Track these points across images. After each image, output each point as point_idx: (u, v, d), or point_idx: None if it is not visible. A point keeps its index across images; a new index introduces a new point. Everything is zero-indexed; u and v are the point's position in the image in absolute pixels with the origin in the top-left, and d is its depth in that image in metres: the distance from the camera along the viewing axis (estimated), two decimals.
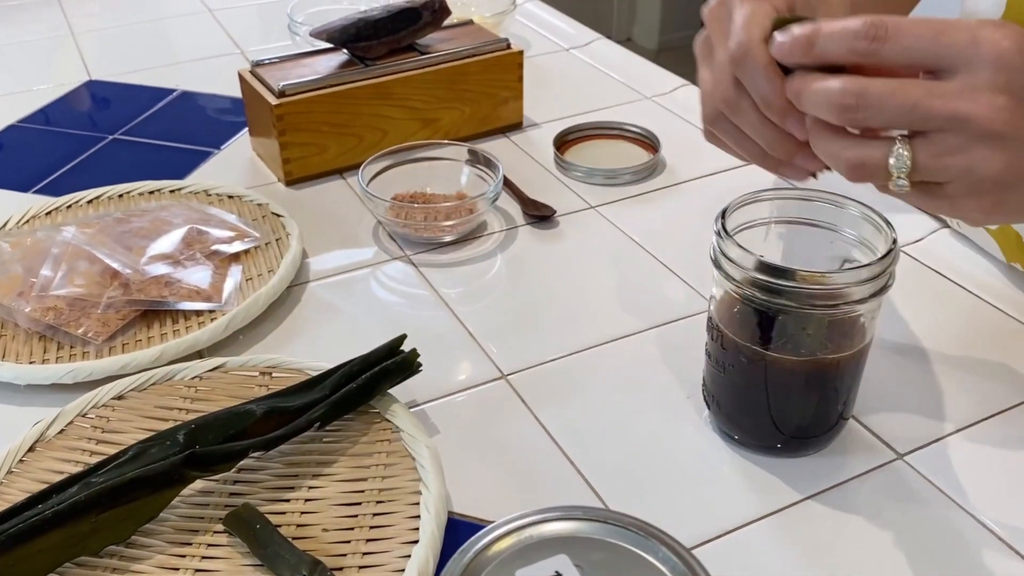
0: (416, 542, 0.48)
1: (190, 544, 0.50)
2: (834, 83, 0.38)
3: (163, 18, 1.26)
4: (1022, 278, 0.70)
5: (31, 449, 0.55)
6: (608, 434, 0.57)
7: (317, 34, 0.86)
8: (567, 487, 0.54)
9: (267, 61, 0.86)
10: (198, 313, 0.66)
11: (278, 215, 0.77)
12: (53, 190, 0.85)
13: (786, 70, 0.41)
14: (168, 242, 0.71)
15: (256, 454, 0.53)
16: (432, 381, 0.61)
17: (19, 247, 0.70)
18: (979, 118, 0.36)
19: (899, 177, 0.38)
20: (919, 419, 0.57)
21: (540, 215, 0.79)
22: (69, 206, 0.80)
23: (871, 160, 0.38)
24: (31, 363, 0.62)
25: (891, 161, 0.38)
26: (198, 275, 0.69)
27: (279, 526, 0.50)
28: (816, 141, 0.40)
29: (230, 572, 0.48)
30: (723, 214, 0.51)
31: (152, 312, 0.66)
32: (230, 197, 0.81)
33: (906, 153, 0.37)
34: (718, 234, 0.50)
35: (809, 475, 0.54)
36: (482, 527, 0.41)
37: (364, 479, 0.53)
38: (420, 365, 0.59)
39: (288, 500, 0.52)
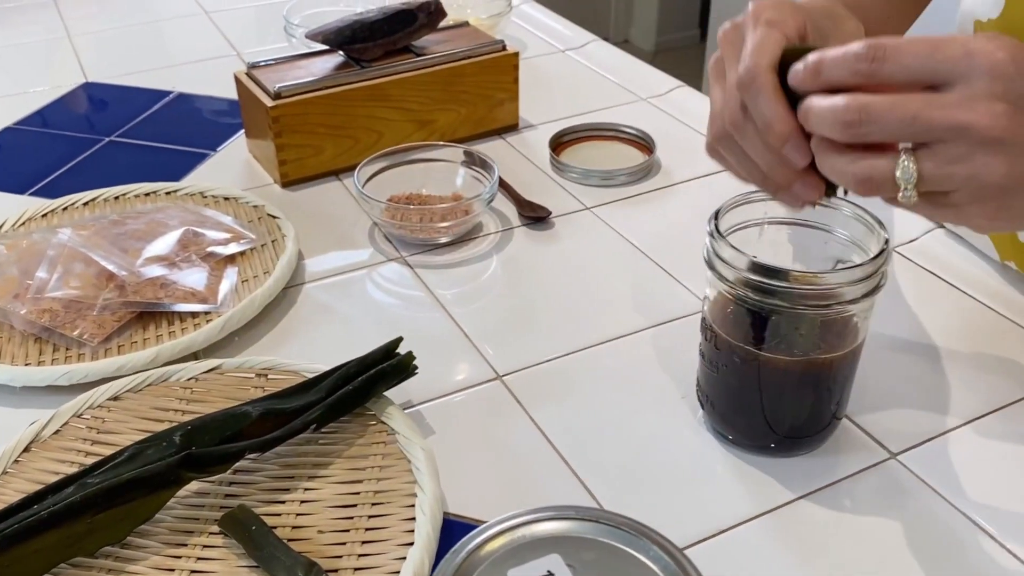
0: (411, 544, 0.48)
1: (186, 545, 0.50)
2: (838, 100, 0.39)
3: (159, 20, 1.26)
4: (1016, 277, 0.70)
5: (26, 450, 0.55)
6: (603, 434, 0.58)
7: (313, 36, 0.86)
8: (562, 487, 0.54)
9: (263, 63, 0.86)
10: (194, 315, 0.66)
11: (274, 217, 0.78)
12: (49, 192, 0.85)
13: (796, 98, 0.42)
14: (164, 244, 0.71)
15: (252, 456, 0.54)
16: (428, 382, 0.61)
17: (15, 249, 0.70)
18: (978, 126, 0.37)
19: (906, 188, 0.39)
20: (912, 418, 0.58)
21: (536, 216, 0.79)
22: (65, 208, 0.80)
23: (878, 173, 0.39)
24: (27, 365, 0.62)
25: (898, 173, 0.39)
26: (194, 277, 0.69)
27: (275, 527, 0.50)
28: (824, 160, 0.41)
29: (225, 573, 0.48)
30: (716, 215, 0.52)
31: (148, 314, 0.66)
32: (226, 199, 0.81)
33: (912, 165, 0.38)
34: (711, 235, 0.51)
35: (802, 475, 0.54)
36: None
37: (360, 481, 0.53)
38: (416, 368, 0.59)
39: (284, 502, 0.52)
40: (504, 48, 0.90)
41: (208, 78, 1.07)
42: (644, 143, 0.89)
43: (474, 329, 0.67)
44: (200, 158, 0.91)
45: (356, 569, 0.48)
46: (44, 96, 1.05)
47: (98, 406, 0.58)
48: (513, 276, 0.73)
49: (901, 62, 0.38)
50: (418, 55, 0.87)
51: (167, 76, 1.09)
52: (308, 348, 0.66)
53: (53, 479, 0.50)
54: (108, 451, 0.52)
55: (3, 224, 0.77)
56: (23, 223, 0.78)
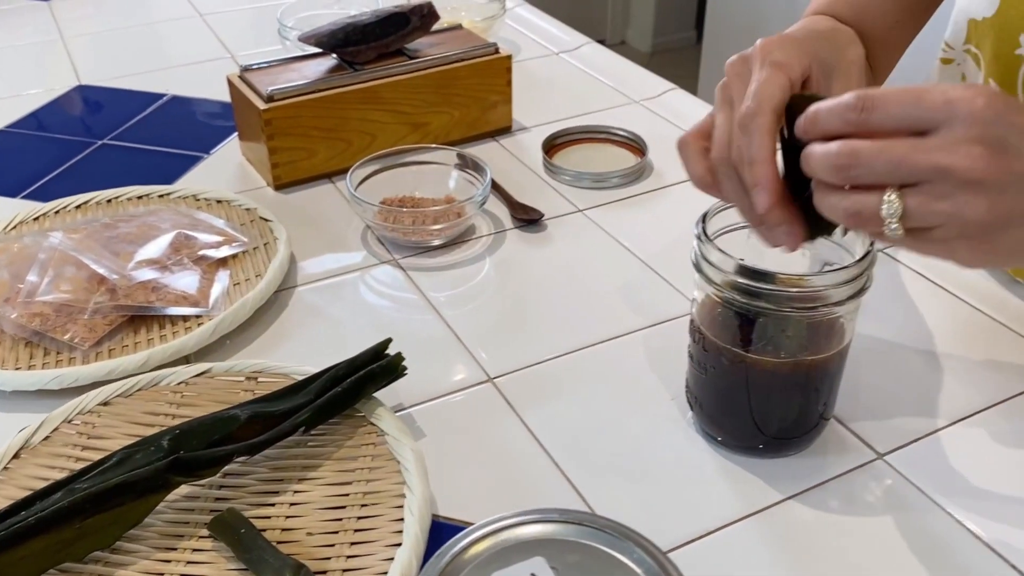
0: (400, 545, 0.49)
1: (175, 549, 0.50)
2: (832, 147, 0.42)
3: (154, 23, 1.26)
4: (1003, 279, 0.70)
5: (16, 456, 0.55)
6: (593, 436, 0.58)
7: (306, 39, 0.86)
8: (552, 489, 0.54)
9: (256, 66, 0.86)
10: (185, 318, 0.67)
11: (266, 219, 0.78)
12: (42, 195, 0.85)
13: (797, 148, 0.45)
14: (156, 247, 0.71)
15: (241, 459, 0.54)
16: (419, 384, 0.61)
17: (6, 253, 0.70)
18: (958, 167, 0.40)
19: (891, 222, 0.42)
20: (899, 419, 0.58)
21: (528, 219, 0.80)
22: (57, 211, 0.80)
23: (866, 208, 0.42)
24: (17, 369, 0.62)
25: (883, 208, 0.42)
26: (185, 280, 0.69)
27: (264, 530, 0.50)
28: (819, 198, 0.44)
29: None
30: (703, 218, 0.52)
31: (139, 317, 0.66)
32: (218, 202, 0.81)
33: (896, 201, 0.41)
34: (698, 238, 0.51)
35: (790, 475, 0.54)
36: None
37: (349, 483, 0.53)
38: (405, 368, 0.59)
39: (273, 504, 0.52)
40: (497, 51, 0.90)
41: (202, 81, 1.08)
42: (637, 145, 0.89)
43: (466, 331, 0.67)
44: (193, 161, 0.91)
45: (344, 570, 0.48)
46: (37, 99, 1.05)
47: (88, 411, 0.58)
48: (505, 278, 0.74)
49: (888, 111, 0.41)
50: (411, 58, 0.87)
51: (161, 79, 1.09)
52: (300, 351, 0.66)
53: (43, 485, 0.50)
54: (98, 456, 0.52)
55: None
56: (14, 226, 0.78)
